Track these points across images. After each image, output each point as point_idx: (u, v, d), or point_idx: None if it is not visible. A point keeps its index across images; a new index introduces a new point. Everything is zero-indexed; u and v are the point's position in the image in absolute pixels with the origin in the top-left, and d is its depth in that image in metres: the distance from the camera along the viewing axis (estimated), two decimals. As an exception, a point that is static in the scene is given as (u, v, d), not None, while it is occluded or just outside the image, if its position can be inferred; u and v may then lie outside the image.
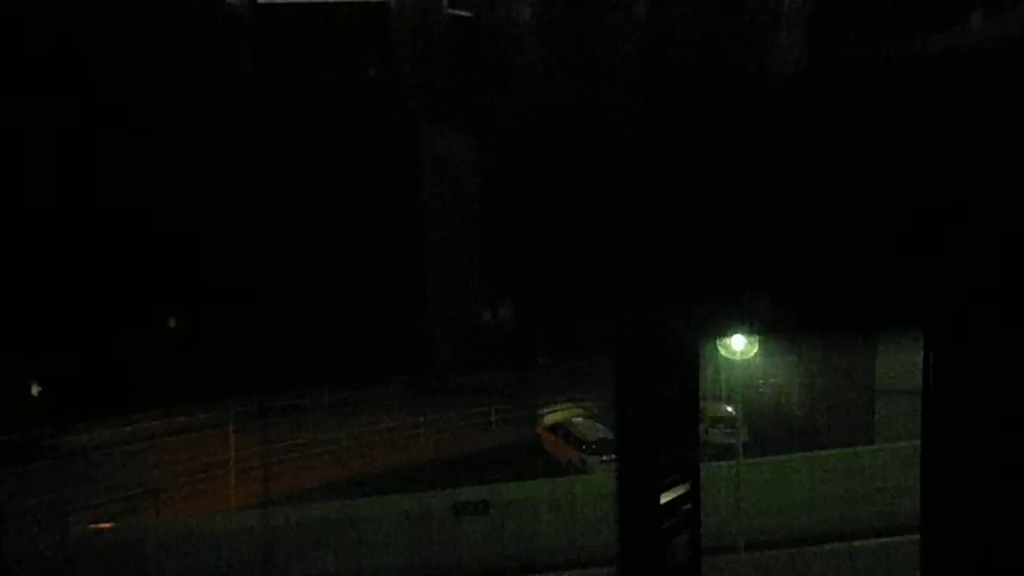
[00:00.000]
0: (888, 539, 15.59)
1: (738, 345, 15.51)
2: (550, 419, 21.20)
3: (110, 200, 4.05)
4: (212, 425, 19.82)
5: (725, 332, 11.67)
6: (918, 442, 4.72)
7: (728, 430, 19.07)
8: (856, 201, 4.57)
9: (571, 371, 23.65)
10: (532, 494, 16.93)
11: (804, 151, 5.21)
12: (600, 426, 19.62)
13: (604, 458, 17.64)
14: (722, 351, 15.87)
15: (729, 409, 19.87)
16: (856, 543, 16.06)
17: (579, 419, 20.82)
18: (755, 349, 15.89)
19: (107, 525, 16.70)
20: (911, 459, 9.54)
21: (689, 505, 5.46)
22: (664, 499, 5.10)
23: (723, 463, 17.01)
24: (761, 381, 22.90)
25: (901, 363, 16.10)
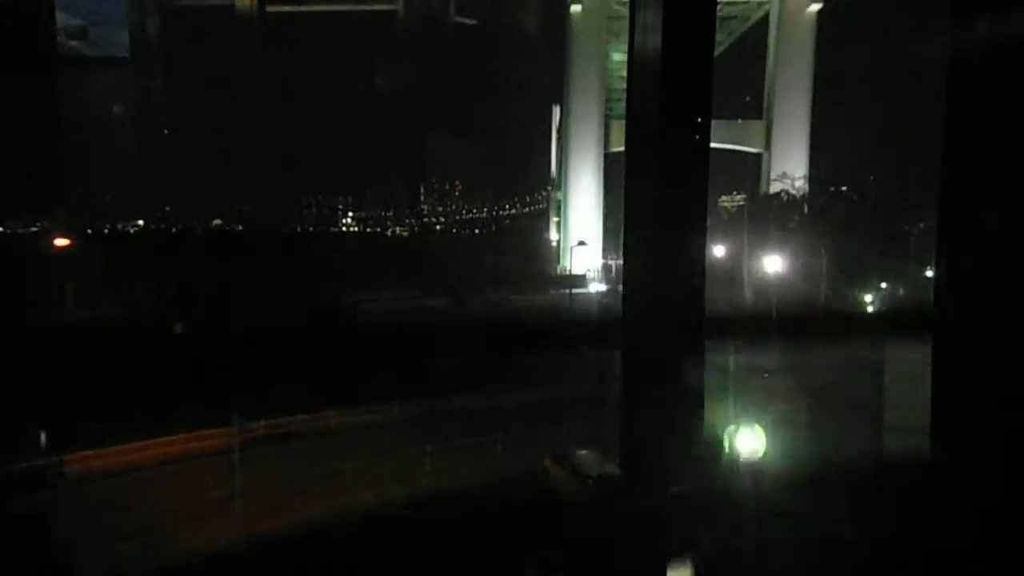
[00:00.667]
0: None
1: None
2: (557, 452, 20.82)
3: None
4: (216, 452, 19.93)
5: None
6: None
7: None
8: None
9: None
10: None
11: None
12: (605, 460, 19.13)
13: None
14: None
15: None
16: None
17: (584, 452, 20.43)
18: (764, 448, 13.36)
19: None
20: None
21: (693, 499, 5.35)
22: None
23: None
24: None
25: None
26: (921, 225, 46.95)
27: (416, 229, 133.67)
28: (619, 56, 62.30)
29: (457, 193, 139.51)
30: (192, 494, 18.06)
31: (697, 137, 3.36)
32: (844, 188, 65.79)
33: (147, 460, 20.20)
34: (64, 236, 49.33)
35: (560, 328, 35.13)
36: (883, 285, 47.16)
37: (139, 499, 17.88)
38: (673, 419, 3.84)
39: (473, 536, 15.56)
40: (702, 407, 4.01)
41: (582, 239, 53.09)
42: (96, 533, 16.37)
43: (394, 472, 19.65)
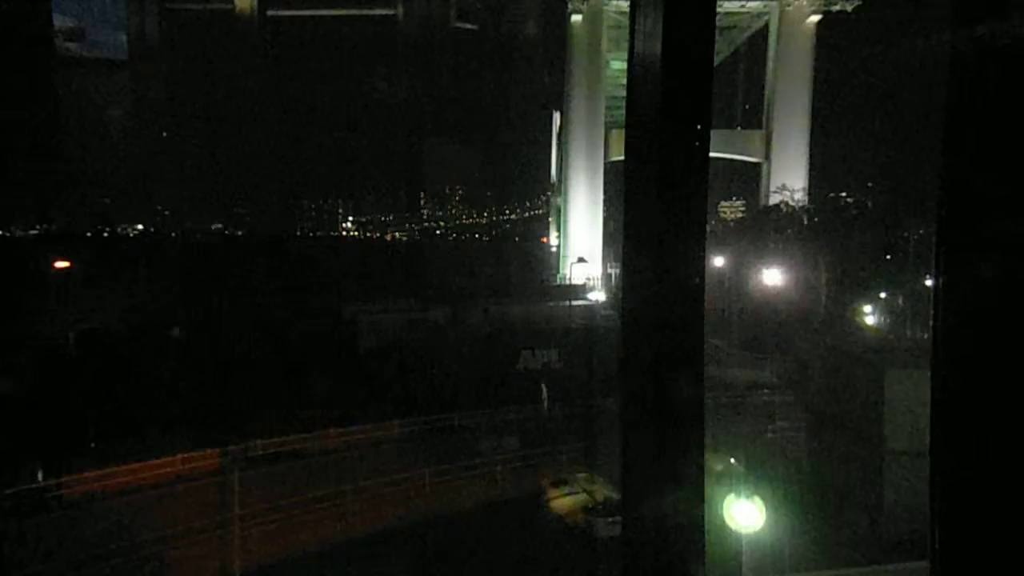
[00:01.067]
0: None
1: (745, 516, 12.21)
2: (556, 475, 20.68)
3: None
4: (216, 472, 19.81)
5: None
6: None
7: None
8: None
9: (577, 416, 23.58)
10: None
11: None
12: (606, 485, 18.87)
13: (610, 520, 16.67)
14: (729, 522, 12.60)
15: (731, 460, 19.48)
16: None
17: (585, 475, 20.23)
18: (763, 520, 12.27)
19: None
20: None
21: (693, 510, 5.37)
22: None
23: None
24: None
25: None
26: (921, 231, 46.97)
27: (416, 234, 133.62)
28: (619, 64, 62.30)
29: (457, 198, 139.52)
30: (188, 516, 18.03)
31: (697, 145, 3.36)
32: (844, 193, 65.82)
33: (144, 481, 20.13)
34: (63, 252, 49.06)
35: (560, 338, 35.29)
36: (882, 295, 47.22)
37: (135, 523, 17.78)
38: (673, 440, 3.81)
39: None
40: (703, 426, 4.00)
41: (582, 255, 53.01)
42: (91, 558, 16.32)
43: (391, 494, 19.68)
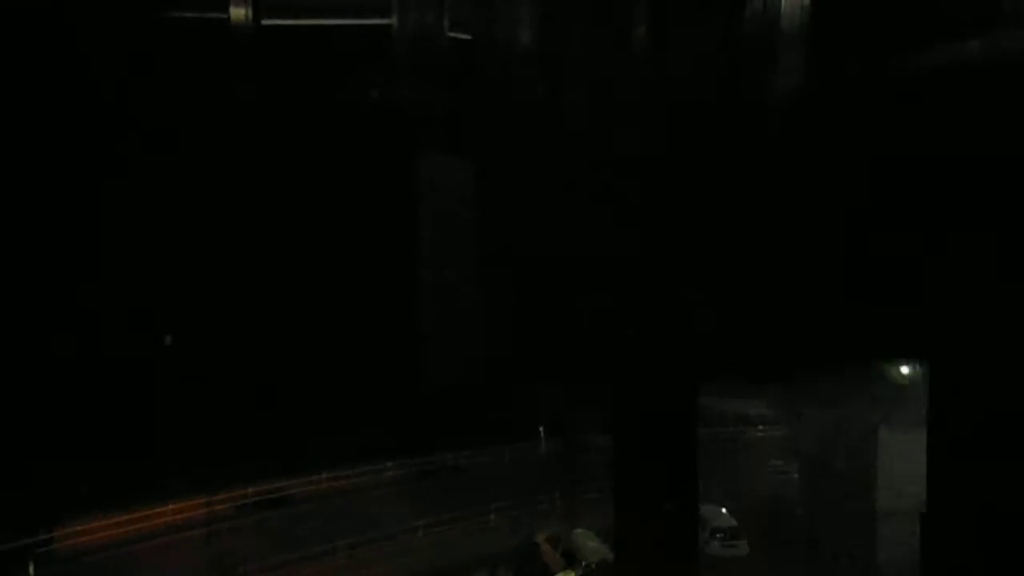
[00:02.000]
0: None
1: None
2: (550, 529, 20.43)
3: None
4: (208, 521, 19.65)
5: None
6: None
7: (728, 542, 18.45)
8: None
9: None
10: None
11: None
12: (602, 545, 18.53)
13: None
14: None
15: (723, 512, 19.43)
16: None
17: (580, 531, 19.91)
18: None
19: None
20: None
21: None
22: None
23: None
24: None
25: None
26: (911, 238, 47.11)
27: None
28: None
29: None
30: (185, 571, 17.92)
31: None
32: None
33: (138, 532, 19.78)
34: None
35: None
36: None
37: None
38: (667, 493, 3.83)
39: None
40: (696, 478, 4.03)
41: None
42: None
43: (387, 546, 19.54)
